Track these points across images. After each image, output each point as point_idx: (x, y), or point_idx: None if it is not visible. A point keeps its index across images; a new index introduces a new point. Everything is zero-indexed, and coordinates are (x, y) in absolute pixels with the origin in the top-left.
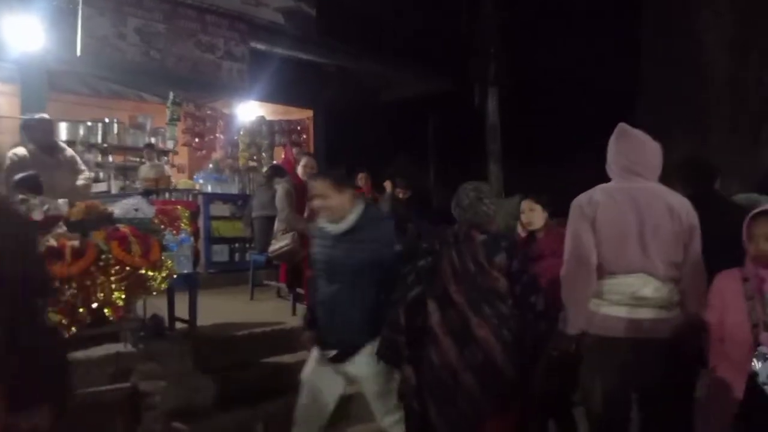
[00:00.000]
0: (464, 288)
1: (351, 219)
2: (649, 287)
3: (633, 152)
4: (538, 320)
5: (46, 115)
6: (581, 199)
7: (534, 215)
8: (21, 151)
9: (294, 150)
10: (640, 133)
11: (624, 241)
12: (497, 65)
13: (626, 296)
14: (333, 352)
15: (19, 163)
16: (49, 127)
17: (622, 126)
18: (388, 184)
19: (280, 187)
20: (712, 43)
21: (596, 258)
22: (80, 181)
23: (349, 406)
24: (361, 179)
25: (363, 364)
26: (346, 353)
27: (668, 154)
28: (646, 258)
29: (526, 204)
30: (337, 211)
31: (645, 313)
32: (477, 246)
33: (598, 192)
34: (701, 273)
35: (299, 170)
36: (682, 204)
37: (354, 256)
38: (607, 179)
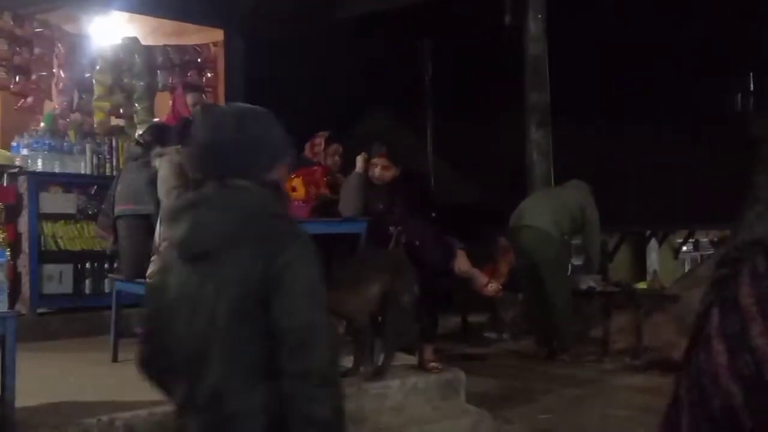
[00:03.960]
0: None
1: None
2: None
3: None
4: None
5: None
6: None
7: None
8: None
9: (189, 97)
10: None
11: None
12: None
13: None
14: None
15: None
16: None
17: None
18: (359, 158)
19: (164, 161)
20: None
21: None
22: None
23: None
24: (319, 143)
25: None
26: None
27: None
28: None
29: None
30: None
31: None
32: None
33: None
34: None
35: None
36: None
37: None
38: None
